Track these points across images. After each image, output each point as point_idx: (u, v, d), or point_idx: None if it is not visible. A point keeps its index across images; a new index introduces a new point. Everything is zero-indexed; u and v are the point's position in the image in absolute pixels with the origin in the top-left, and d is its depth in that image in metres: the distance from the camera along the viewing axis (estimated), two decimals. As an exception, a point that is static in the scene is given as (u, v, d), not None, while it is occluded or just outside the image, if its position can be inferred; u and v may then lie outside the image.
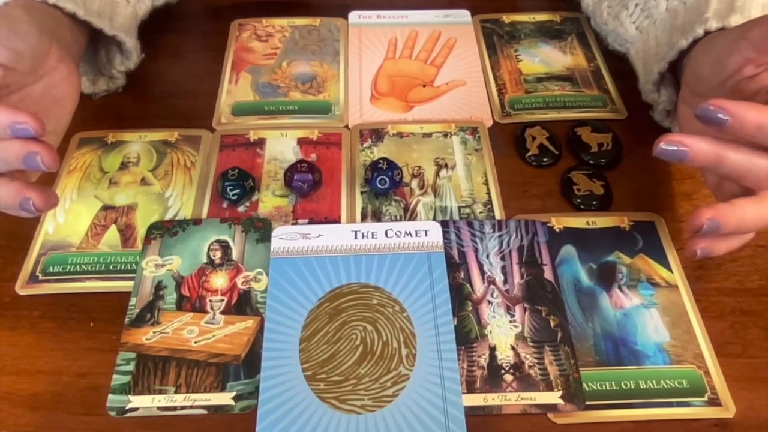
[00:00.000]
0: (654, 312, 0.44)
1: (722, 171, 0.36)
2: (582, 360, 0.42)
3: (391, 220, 0.49)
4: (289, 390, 0.40)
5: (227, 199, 0.50)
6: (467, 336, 0.43)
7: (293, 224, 0.49)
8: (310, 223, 0.49)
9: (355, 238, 0.47)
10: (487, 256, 0.47)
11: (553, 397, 0.40)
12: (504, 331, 0.43)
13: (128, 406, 0.40)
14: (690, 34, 0.45)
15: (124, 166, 0.52)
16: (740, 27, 0.41)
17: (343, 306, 0.44)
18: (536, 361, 0.42)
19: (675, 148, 0.36)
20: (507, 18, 0.66)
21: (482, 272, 0.46)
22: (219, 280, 0.45)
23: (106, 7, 0.51)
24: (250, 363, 0.41)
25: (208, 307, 0.44)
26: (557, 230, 0.48)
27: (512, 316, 0.44)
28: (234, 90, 0.59)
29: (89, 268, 0.46)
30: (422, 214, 0.50)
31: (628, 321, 0.44)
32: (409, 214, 0.50)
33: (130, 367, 0.41)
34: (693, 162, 0.36)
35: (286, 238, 0.47)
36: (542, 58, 0.62)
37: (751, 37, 0.39)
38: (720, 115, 0.35)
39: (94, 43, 0.53)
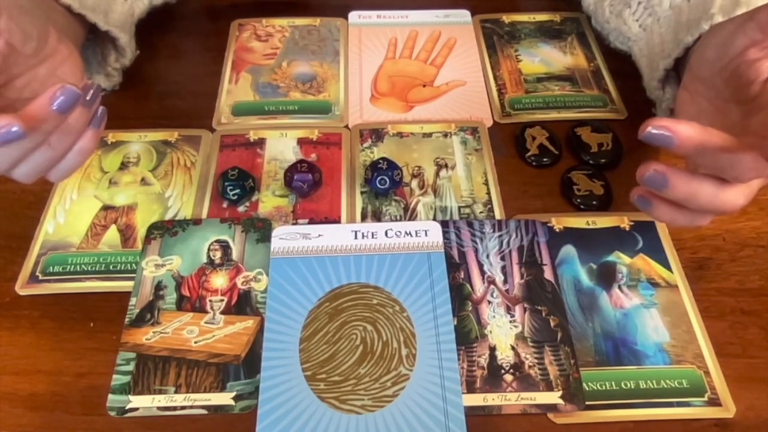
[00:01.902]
0: (654, 312, 0.44)
1: (704, 161, 0.35)
2: (582, 360, 0.42)
3: (391, 220, 0.49)
4: (289, 390, 0.40)
5: (227, 199, 0.50)
6: (467, 336, 0.43)
7: (293, 224, 0.49)
8: (310, 223, 0.49)
9: (355, 238, 0.47)
10: (487, 256, 0.47)
11: (553, 397, 0.40)
12: (504, 331, 0.43)
13: (128, 406, 0.40)
14: (696, 30, 0.45)
15: (124, 166, 0.53)
16: (749, 11, 0.41)
17: (343, 306, 0.44)
18: (536, 361, 0.42)
19: (662, 132, 0.35)
20: (507, 18, 0.66)
21: (482, 272, 0.46)
22: (219, 280, 0.45)
23: (101, 3, 0.51)
24: (250, 363, 0.41)
25: (208, 307, 0.44)
26: (557, 230, 0.48)
27: (512, 316, 0.44)
28: (234, 90, 0.59)
29: (89, 268, 0.46)
30: (422, 214, 0.50)
31: (628, 321, 0.44)
32: (409, 214, 0.50)
33: (130, 367, 0.41)
34: (679, 149, 0.35)
35: (286, 238, 0.47)
36: (542, 58, 0.62)
37: (759, 18, 0.39)
38: (666, 135, 0.35)
39: (90, 40, 0.53)
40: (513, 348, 0.42)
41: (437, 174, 0.52)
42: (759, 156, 0.33)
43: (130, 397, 0.40)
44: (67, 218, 0.49)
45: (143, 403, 0.40)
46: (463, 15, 0.67)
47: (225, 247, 0.47)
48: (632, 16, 0.55)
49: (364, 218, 0.49)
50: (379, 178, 0.49)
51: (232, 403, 0.40)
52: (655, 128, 0.35)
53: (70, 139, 0.38)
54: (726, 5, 0.45)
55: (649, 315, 0.44)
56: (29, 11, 0.41)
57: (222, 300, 0.44)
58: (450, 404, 0.39)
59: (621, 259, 0.47)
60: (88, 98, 0.37)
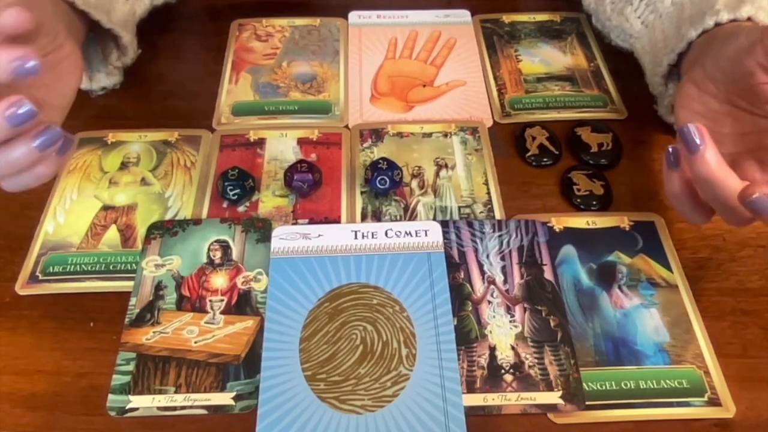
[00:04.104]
0: (654, 312, 0.44)
1: (707, 193, 0.36)
2: (582, 360, 0.42)
3: (391, 220, 0.49)
4: (289, 390, 0.40)
5: (227, 199, 0.50)
6: (467, 336, 0.43)
7: (293, 224, 0.49)
8: (310, 223, 0.49)
9: (355, 238, 0.47)
10: (487, 256, 0.47)
11: (553, 397, 0.40)
12: (504, 331, 0.43)
13: (128, 406, 0.40)
14: (700, 25, 0.45)
15: (124, 166, 0.52)
16: (763, 29, 0.41)
17: (343, 306, 0.44)
18: (536, 361, 0.42)
19: (696, 133, 0.36)
20: (507, 18, 0.66)
21: (482, 272, 0.46)
22: (219, 280, 0.45)
23: (104, 1, 0.51)
24: (250, 363, 0.41)
25: (208, 307, 0.44)
26: (557, 230, 0.48)
27: (512, 316, 0.44)
28: (234, 90, 0.59)
29: (89, 268, 0.46)
30: (422, 214, 0.50)
31: (628, 321, 0.44)
32: (409, 214, 0.50)
33: (130, 367, 0.41)
34: (696, 161, 0.36)
35: (286, 238, 0.47)
36: (542, 58, 0.62)
37: (765, 43, 0.38)
38: (696, 141, 0.36)
39: (92, 38, 0.54)
40: (513, 348, 0.42)
41: (437, 174, 0.52)
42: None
43: (130, 397, 0.40)
44: (67, 218, 0.49)
45: (143, 403, 0.40)
46: (463, 15, 0.67)
47: (225, 247, 0.47)
48: (634, 13, 0.55)
49: (364, 218, 0.49)
50: (379, 178, 0.49)
51: (232, 403, 0.40)
52: (693, 126, 0.36)
53: (9, 171, 0.37)
54: (731, 2, 0.45)
55: (649, 315, 0.44)
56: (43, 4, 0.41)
57: (222, 300, 0.44)
58: (450, 404, 0.39)
59: (621, 259, 0.47)
60: (42, 141, 0.37)
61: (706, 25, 0.45)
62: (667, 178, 0.40)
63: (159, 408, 0.40)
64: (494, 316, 0.44)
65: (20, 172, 0.38)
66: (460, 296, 0.44)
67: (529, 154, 0.53)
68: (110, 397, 0.40)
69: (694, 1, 0.49)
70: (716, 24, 0.45)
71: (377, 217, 0.49)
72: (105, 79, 0.56)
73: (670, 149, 0.39)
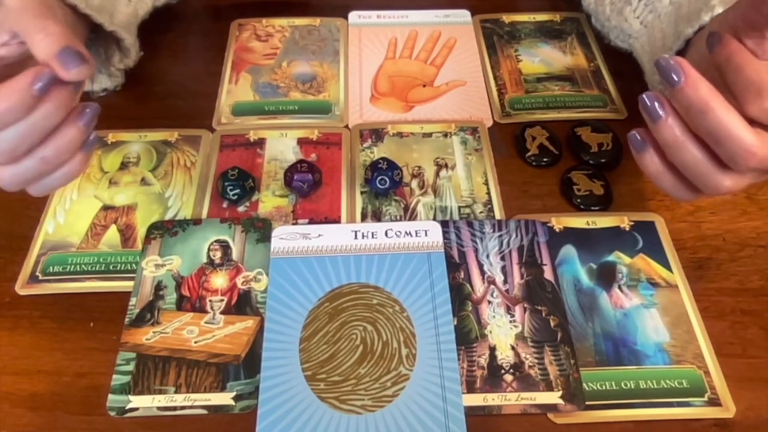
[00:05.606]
0: (654, 312, 0.44)
1: (702, 122, 0.34)
2: (582, 360, 0.42)
3: (391, 220, 0.49)
4: (289, 390, 0.40)
5: (227, 199, 0.50)
6: (467, 336, 0.43)
7: (293, 224, 0.49)
8: (310, 223, 0.49)
9: (355, 238, 0.47)
10: (487, 256, 0.47)
11: (553, 397, 0.40)
12: (504, 331, 0.43)
13: (128, 406, 0.40)
14: (696, 21, 0.45)
15: (124, 166, 0.53)
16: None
17: (343, 306, 0.44)
18: (536, 361, 0.42)
19: (674, 63, 0.34)
20: (507, 18, 0.66)
21: (482, 272, 0.46)
22: (219, 280, 0.45)
23: (106, 4, 0.51)
24: (250, 363, 0.41)
25: (208, 307, 0.44)
26: (557, 230, 0.48)
27: (512, 316, 0.44)
28: (234, 90, 0.59)
29: (89, 268, 0.46)
30: (422, 214, 0.50)
31: (628, 321, 0.44)
32: (409, 214, 0.50)
33: (130, 367, 0.41)
34: (682, 93, 0.34)
35: (286, 238, 0.47)
36: (542, 58, 0.62)
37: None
38: (674, 75, 0.34)
39: (94, 40, 0.54)
40: (513, 348, 0.42)
41: (437, 174, 0.52)
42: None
43: (130, 397, 0.40)
44: (67, 218, 0.49)
45: (143, 403, 0.40)
46: (463, 15, 0.67)
47: (225, 247, 0.47)
48: (633, 14, 0.55)
49: (364, 218, 0.49)
50: (379, 178, 0.49)
51: (232, 403, 0.40)
52: (670, 58, 0.34)
53: (64, 156, 0.38)
54: None
55: (649, 315, 0.44)
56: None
57: (222, 300, 0.44)
58: (450, 404, 0.39)
59: (621, 259, 0.47)
60: (87, 118, 0.38)
61: (702, 21, 0.45)
62: (642, 162, 0.39)
63: (159, 408, 0.40)
64: (494, 316, 0.44)
65: (51, 171, 0.38)
66: (460, 296, 0.44)
67: (529, 154, 0.53)
68: (110, 397, 0.40)
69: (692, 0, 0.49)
70: (711, 19, 0.45)
71: (377, 217, 0.49)
72: (107, 80, 0.57)
73: (634, 135, 0.39)
